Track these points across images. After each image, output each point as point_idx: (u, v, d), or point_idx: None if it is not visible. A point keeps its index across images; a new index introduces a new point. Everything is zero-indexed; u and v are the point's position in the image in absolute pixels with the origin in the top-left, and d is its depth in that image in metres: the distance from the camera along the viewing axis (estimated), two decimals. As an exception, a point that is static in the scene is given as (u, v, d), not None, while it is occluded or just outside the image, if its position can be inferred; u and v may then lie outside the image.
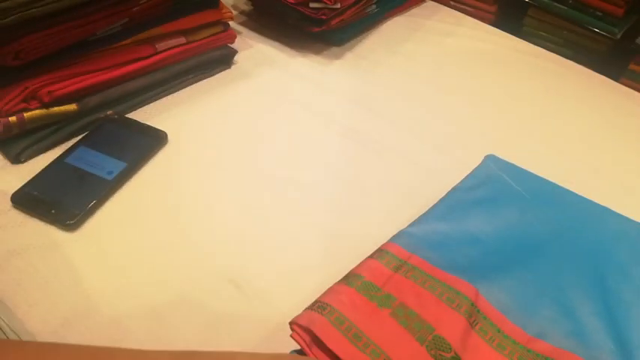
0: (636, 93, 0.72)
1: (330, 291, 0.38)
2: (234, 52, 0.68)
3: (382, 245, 0.42)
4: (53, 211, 0.46)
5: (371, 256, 0.41)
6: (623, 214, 0.48)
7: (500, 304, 0.39)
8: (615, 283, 0.41)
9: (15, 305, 0.40)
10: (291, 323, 0.35)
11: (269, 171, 0.54)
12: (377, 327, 0.34)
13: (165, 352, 0.27)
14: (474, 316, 0.37)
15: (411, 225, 0.44)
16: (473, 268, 0.41)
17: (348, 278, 0.38)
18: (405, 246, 0.41)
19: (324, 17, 0.67)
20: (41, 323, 0.39)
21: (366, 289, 0.37)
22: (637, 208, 0.50)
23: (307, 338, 0.33)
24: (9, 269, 0.42)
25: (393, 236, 0.43)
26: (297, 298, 0.39)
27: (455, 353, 0.34)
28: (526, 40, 0.81)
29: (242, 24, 0.77)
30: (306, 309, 0.36)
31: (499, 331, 0.37)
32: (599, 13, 1.27)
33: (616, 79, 0.78)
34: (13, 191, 0.47)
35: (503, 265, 0.42)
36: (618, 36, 1.29)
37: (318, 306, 0.36)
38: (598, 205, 0.49)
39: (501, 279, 0.41)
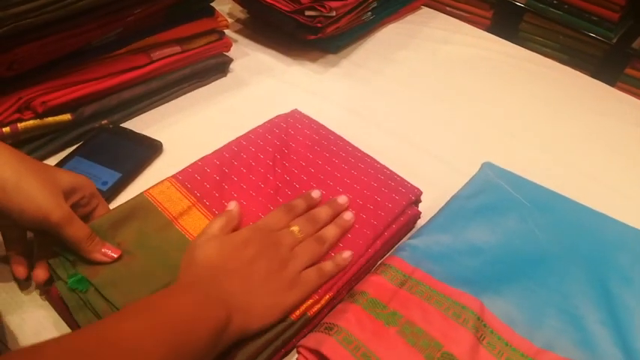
0: (632, 98, 0.72)
1: (335, 311, 0.38)
2: (230, 60, 0.67)
3: (385, 259, 0.42)
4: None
5: (375, 271, 0.40)
6: (620, 219, 0.48)
7: (506, 316, 0.38)
8: (618, 289, 0.41)
9: (8, 319, 0.40)
10: (297, 347, 0.35)
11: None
12: (385, 345, 0.34)
13: None
14: (480, 330, 0.36)
15: (414, 237, 0.44)
16: (477, 279, 0.40)
17: (354, 296, 0.38)
18: (409, 259, 0.41)
19: (319, 25, 0.67)
20: (34, 336, 0.39)
21: (371, 307, 0.36)
22: (633, 213, 0.50)
23: None
24: (1, 284, 0.42)
25: (396, 249, 0.43)
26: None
27: None
28: (522, 46, 0.81)
29: (238, 32, 0.77)
30: (312, 332, 0.36)
31: (507, 345, 0.36)
32: (595, 18, 1.28)
33: (612, 84, 0.79)
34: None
35: (507, 275, 0.41)
36: (614, 40, 1.29)
37: (325, 327, 0.35)
38: (595, 211, 0.48)
39: (506, 290, 0.40)
